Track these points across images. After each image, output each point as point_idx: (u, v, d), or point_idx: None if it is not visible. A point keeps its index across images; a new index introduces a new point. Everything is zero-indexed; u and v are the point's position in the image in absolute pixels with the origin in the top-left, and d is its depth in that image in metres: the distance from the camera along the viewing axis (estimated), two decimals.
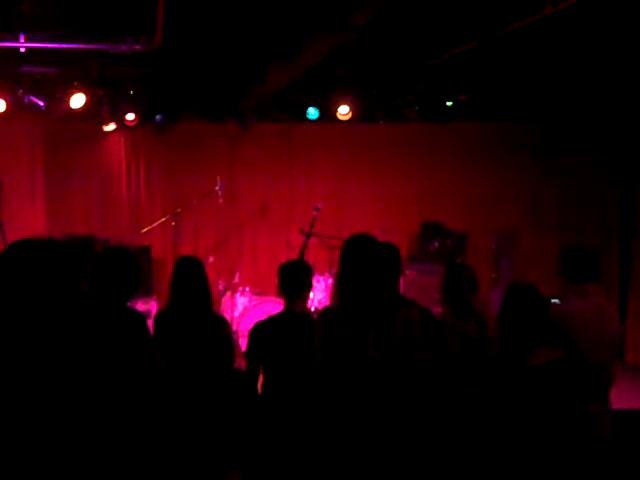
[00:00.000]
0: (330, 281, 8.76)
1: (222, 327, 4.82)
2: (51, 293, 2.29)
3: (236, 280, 9.32)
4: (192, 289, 4.71)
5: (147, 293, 8.99)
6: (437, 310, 5.36)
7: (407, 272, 9.05)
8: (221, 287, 9.21)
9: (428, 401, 4.02)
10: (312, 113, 9.59)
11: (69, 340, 2.30)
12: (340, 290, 3.72)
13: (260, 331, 4.55)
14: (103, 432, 2.62)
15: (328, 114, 9.53)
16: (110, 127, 9.50)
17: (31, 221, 9.47)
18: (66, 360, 2.29)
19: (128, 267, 3.90)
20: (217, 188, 9.23)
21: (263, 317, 4.76)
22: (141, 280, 3.93)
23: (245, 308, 8.97)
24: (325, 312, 3.98)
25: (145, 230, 9.36)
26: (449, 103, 9.36)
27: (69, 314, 2.33)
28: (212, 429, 4.53)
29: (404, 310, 3.63)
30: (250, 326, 4.72)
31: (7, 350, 2.22)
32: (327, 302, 8.50)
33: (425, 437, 3.98)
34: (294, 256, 8.52)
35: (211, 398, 4.57)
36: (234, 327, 8.39)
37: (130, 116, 9.26)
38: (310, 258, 8.60)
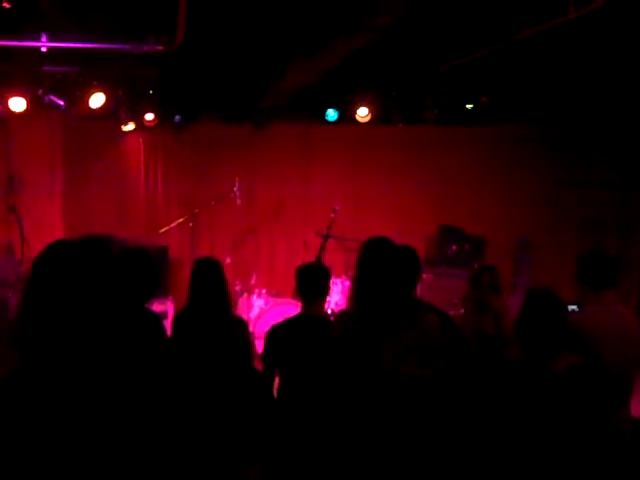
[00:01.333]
0: (347, 283, 8.74)
1: (241, 329, 4.82)
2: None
3: (253, 282, 9.32)
4: (211, 291, 4.71)
5: (164, 294, 9.00)
6: (454, 313, 5.37)
7: (424, 276, 9.02)
8: (238, 288, 9.21)
9: (442, 407, 3.99)
10: (331, 115, 9.58)
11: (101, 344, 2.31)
12: (357, 293, 3.69)
13: (276, 334, 4.54)
14: (117, 433, 2.61)
15: (347, 116, 9.51)
16: (129, 127, 9.52)
17: (49, 220, 9.52)
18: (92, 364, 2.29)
19: (147, 268, 3.91)
20: (235, 189, 9.24)
21: (279, 319, 4.75)
22: (160, 281, 3.94)
23: (261, 310, 8.97)
24: (341, 316, 3.96)
25: (162, 230, 9.37)
26: (469, 106, 9.32)
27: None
28: (229, 429, 4.53)
29: (421, 315, 3.61)
30: (266, 328, 4.72)
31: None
32: (344, 305, 8.48)
33: (439, 441, 3.96)
34: (311, 258, 8.51)
35: (228, 399, 4.57)
36: (250, 329, 8.39)
37: (149, 116, 9.28)
38: (327, 260, 8.58)
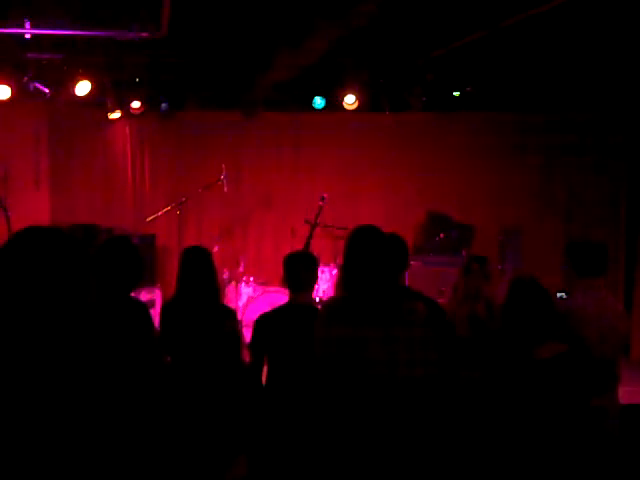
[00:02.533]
0: (335, 272, 8.73)
1: (229, 318, 4.81)
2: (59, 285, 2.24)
3: (241, 270, 9.31)
4: (200, 279, 4.69)
5: (151, 282, 8.99)
6: (442, 301, 5.38)
7: (412, 263, 9.00)
8: (226, 276, 9.20)
9: (429, 396, 4.00)
10: (318, 102, 9.55)
11: (75, 333, 2.27)
12: (344, 282, 3.67)
13: (264, 323, 4.52)
14: (105, 422, 2.58)
15: (334, 103, 9.48)
16: (115, 115, 9.47)
17: (36, 208, 9.45)
18: (69, 351, 2.26)
19: (130, 257, 3.88)
20: (222, 177, 9.21)
21: (267, 307, 4.73)
22: (144, 270, 3.92)
23: (249, 298, 8.96)
24: (328, 304, 3.94)
25: (150, 219, 9.33)
26: (456, 93, 9.31)
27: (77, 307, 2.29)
28: (218, 419, 4.52)
29: (408, 304, 3.59)
30: (254, 316, 4.70)
31: (13, 344, 2.19)
32: (332, 292, 8.48)
33: (426, 431, 3.96)
34: (299, 246, 8.50)
35: (217, 389, 4.56)
36: (238, 317, 8.38)
37: (135, 104, 9.22)
38: (315, 248, 8.58)
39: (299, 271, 4.53)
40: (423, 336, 3.48)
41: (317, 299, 8.40)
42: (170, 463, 4.21)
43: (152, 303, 8.59)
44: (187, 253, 4.84)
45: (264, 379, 4.55)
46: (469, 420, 4.00)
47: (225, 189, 9.25)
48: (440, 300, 5.26)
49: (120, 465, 2.31)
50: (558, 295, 4.89)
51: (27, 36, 6.98)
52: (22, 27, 6.65)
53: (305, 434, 4.00)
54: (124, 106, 9.28)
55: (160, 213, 9.34)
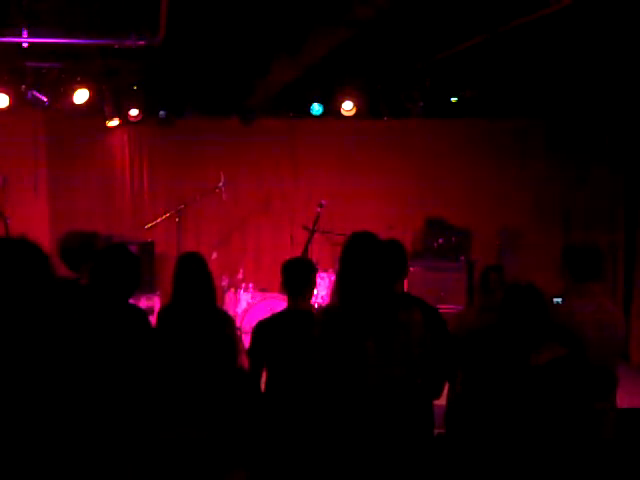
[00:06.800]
0: (334, 278, 8.73)
1: (226, 323, 4.80)
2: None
3: (239, 276, 9.31)
4: (195, 285, 4.68)
5: (150, 289, 8.99)
6: (442, 307, 5.37)
7: (411, 269, 9.03)
8: (224, 283, 9.20)
9: (427, 401, 3.99)
10: (316, 109, 9.56)
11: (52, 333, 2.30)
12: (339, 289, 3.67)
13: (263, 329, 4.52)
14: (100, 427, 2.58)
15: (332, 110, 9.50)
16: (113, 122, 9.47)
17: (34, 216, 9.46)
18: (55, 353, 2.27)
19: (128, 264, 3.88)
20: (220, 184, 9.22)
21: (266, 314, 4.73)
22: (141, 277, 3.91)
23: (248, 304, 8.95)
24: (324, 312, 3.93)
25: (148, 226, 9.34)
26: (454, 99, 9.33)
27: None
28: (215, 426, 4.51)
29: (404, 311, 3.57)
30: (253, 323, 4.70)
31: None
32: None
33: (425, 436, 3.96)
34: (298, 252, 8.50)
35: (214, 395, 4.55)
36: (237, 323, 8.37)
37: (134, 111, 9.23)
38: (314, 254, 8.58)
39: (297, 277, 4.54)
40: (420, 344, 3.48)
41: (316, 305, 8.39)
42: (167, 473, 4.19)
43: (151, 310, 8.59)
44: (181, 260, 4.84)
45: (263, 386, 4.55)
46: (467, 424, 4.00)
47: (223, 196, 9.27)
48: (439, 305, 5.24)
49: (117, 474, 2.31)
50: (554, 300, 4.89)
51: (25, 44, 7.00)
52: (20, 36, 6.66)
53: (305, 442, 3.99)
54: (122, 114, 9.29)
55: (159, 220, 9.35)
